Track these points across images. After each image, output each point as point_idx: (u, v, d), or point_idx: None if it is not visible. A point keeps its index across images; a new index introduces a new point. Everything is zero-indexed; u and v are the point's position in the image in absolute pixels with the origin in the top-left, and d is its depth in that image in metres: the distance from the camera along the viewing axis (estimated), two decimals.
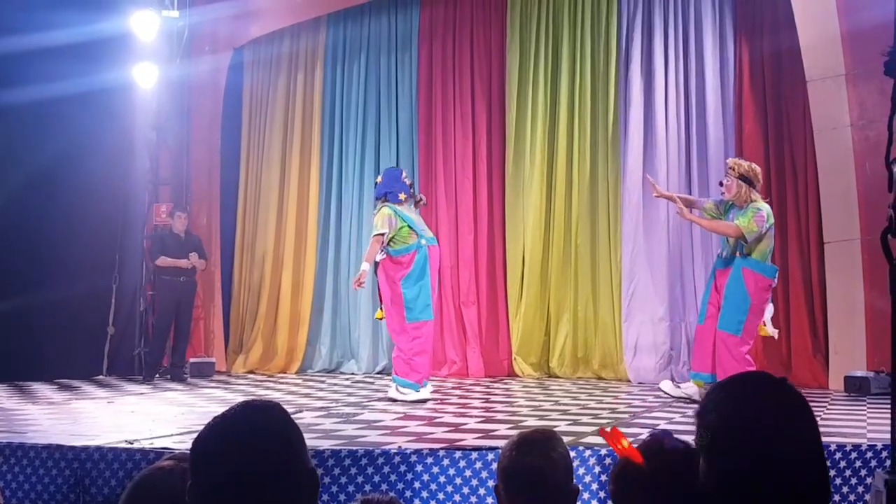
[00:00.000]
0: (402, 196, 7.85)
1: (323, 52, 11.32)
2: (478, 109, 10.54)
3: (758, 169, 7.27)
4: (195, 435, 1.63)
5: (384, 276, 7.83)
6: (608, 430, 2.27)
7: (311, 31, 11.33)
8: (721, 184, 7.31)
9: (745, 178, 7.09)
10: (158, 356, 9.90)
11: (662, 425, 5.47)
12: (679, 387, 7.50)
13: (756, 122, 9.39)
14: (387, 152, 10.85)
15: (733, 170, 7.16)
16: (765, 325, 7.17)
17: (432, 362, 8.30)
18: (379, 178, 8.22)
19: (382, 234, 7.73)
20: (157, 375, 9.84)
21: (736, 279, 6.98)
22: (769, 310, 7.19)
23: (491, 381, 9.45)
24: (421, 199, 8.22)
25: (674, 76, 9.76)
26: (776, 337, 7.56)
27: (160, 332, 9.94)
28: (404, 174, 8.09)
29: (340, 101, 11.20)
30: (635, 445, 2.23)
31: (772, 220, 7.08)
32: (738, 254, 7.01)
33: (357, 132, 11.01)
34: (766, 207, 7.08)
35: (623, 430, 5.81)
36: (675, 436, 2.29)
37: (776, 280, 7.33)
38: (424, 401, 7.53)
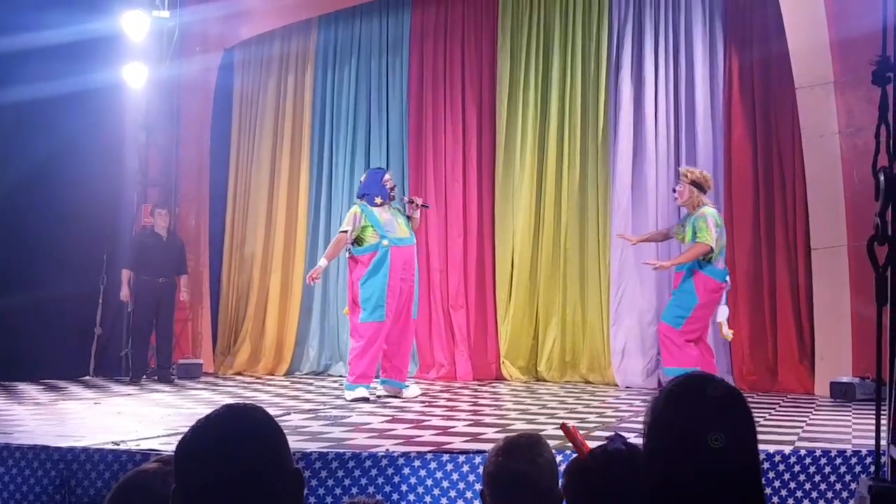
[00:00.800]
0: (378, 200, 7.99)
1: (314, 54, 11.33)
2: (468, 113, 10.56)
3: (708, 175, 7.80)
4: (181, 437, 1.64)
5: (348, 275, 8.04)
6: (569, 426, 2.31)
7: (302, 32, 11.33)
8: (674, 190, 7.80)
9: (697, 184, 7.59)
10: (142, 358, 9.87)
11: None
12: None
13: (745, 128, 9.43)
14: (377, 155, 10.85)
15: (686, 176, 7.64)
16: (722, 327, 7.55)
17: (407, 363, 8.29)
18: (363, 177, 8.38)
19: (345, 232, 7.94)
20: (145, 377, 9.81)
21: (687, 279, 7.47)
22: (724, 311, 7.56)
23: (479, 385, 9.46)
24: (414, 202, 8.27)
25: (663, 83, 9.79)
26: (730, 338, 7.92)
27: (141, 334, 9.90)
28: (386, 176, 8.16)
29: (331, 103, 11.20)
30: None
31: (720, 223, 7.55)
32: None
33: (347, 134, 11.02)
34: (712, 212, 7.55)
35: (610, 434, 5.81)
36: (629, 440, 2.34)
37: (728, 283, 7.66)
38: (365, 399, 7.60)
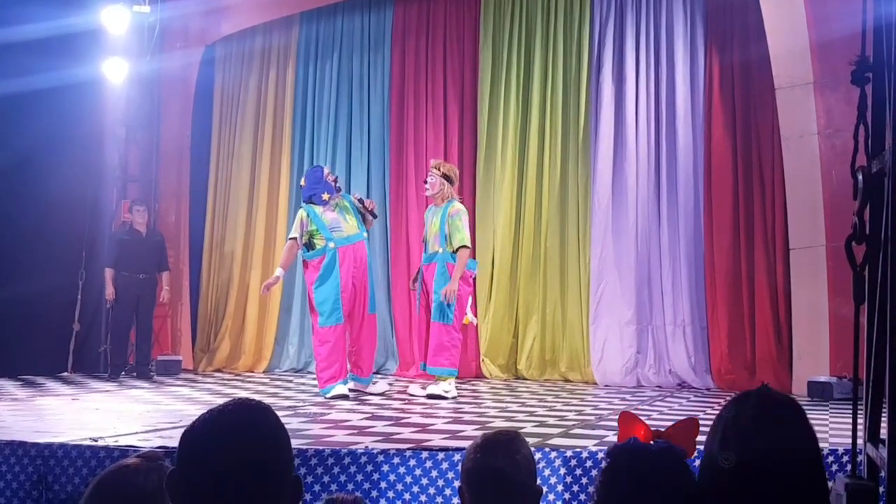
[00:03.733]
0: (325, 196, 7.96)
1: (295, 51, 11.30)
2: (450, 110, 10.56)
3: (456, 170, 8.40)
4: (161, 433, 1.63)
5: (305, 278, 8.09)
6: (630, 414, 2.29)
7: (284, 28, 11.30)
8: (425, 182, 8.18)
9: (447, 177, 8.02)
10: (121, 354, 9.82)
11: None
12: (425, 388, 7.98)
13: (725, 129, 9.49)
14: (358, 152, 10.84)
15: (437, 169, 8.06)
16: (467, 313, 7.97)
17: (372, 362, 8.33)
18: (303, 182, 8.30)
19: (294, 238, 8.03)
20: (124, 373, 9.77)
21: (441, 273, 7.81)
22: (469, 300, 8.08)
23: (459, 383, 9.44)
24: (363, 203, 8.19)
25: (644, 82, 9.84)
26: (476, 323, 8.55)
27: (120, 330, 9.86)
28: (326, 171, 8.16)
29: (312, 99, 11.18)
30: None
31: (466, 216, 8.06)
32: (440, 249, 7.86)
33: (328, 131, 11.00)
34: (463, 209, 8.04)
35: (589, 432, 5.84)
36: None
37: (476, 272, 8.26)
38: (344, 396, 7.63)
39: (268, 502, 1.57)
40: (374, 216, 8.30)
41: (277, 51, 11.33)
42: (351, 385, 8.00)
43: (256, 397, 6.19)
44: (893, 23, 2.65)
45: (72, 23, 9.48)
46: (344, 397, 7.64)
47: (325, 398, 7.65)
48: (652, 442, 2.27)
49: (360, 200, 8.25)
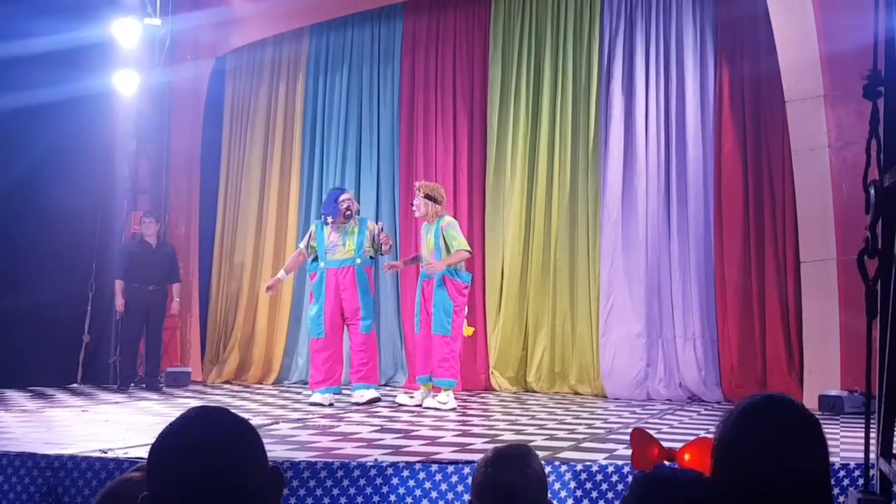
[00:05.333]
0: (329, 219, 8.37)
1: (305, 63, 11.33)
2: (459, 123, 10.57)
3: (442, 189, 8.56)
4: (151, 444, 1.61)
5: None
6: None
7: (294, 41, 11.33)
8: (412, 204, 8.44)
9: (431, 197, 8.26)
10: (130, 365, 9.83)
11: None
12: (412, 396, 8.32)
13: (735, 142, 9.47)
14: (368, 164, 10.86)
15: (420, 190, 8.34)
16: (465, 324, 8.29)
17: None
18: (325, 196, 8.85)
19: (299, 248, 8.68)
20: (133, 385, 9.78)
21: (439, 286, 8.07)
22: (465, 310, 8.36)
23: (468, 395, 9.45)
24: (379, 239, 8.34)
25: (654, 95, 9.83)
26: (469, 334, 8.61)
27: (129, 341, 9.87)
28: (344, 196, 8.41)
29: (322, 111, 11.20)
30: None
31: (458, 224, 8.36)
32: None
33: (338, 143, 11.02)
34: (452, 218, 8.36)
35: (599, 445, 5.82)
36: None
37: (469, 284, 8.40)
38: (317, 404, 8.07)
39: (253, 500, 1.56)
40: (381, 253, 8.44)
41: (287, 63, 11.36)
42: (371, 393, 8.24)
43: (265, 409, 6.22)
44: None
45: (82, 35, 9.53)
46: (320, 405, 8.03)
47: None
48: (669, 463, 2.26)
49: (380, 231, 8.40)
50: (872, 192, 2.70)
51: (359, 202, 10.40)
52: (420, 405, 8.08)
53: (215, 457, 1.55)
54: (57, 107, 9.17)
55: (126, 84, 10.37)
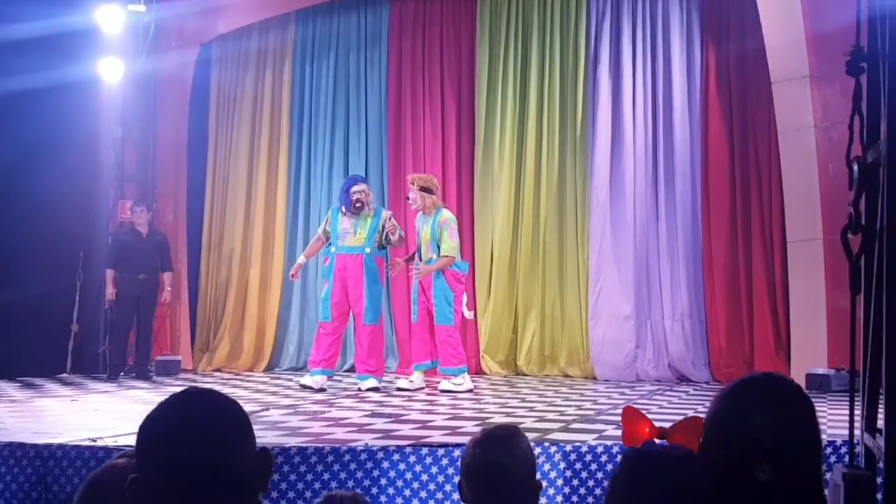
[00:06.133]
0: (342, 208, 8.49)
1: (291, 49, 11.28)
2: (447, 108, 10.56)
3: (434, 179, 8.70)
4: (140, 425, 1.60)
5: None
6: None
7: (280, 27, 11.28)
8: (408, 198, 8.54)
9: (426, 189, 8.37)
10: (120, 354, 9.82)
11: None
12: (412, 381, 8.47)
13: (721, 122, 9.49)
14: (356, 150, 10.84)
15: (414, 184, 8.44)
16: (463, 310, 8.47)
17: (389, 360, 8.99)
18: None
19: (317, 234, 8.83)
20: (123, 374, 9.76)
21: (437, 277, 8.23)
22: (464, 296, 8.54)
23: None
24: (360, 211, 8.41)
25: (641, 77, 9.84)
26: (472, 318, 9.03)
27: (119, 330, 9.85)
28: (355, 188, 8.48)
29: (309, 98, 11.16)
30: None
31: (455, 224, 8.46)
32: (434, 256, 8.24)
33: (326, 130, 10.99)
34: (449, 213, 8.47)
35: (588, 426, 5.83)
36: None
37: (465, 273, 8.63)
38: (305, 387, 8.20)
39: (240, 485, 1.55)
40: (388, 242, 8.50)
41: (274, 49, 11.30)
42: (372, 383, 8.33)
43: (256, 396, 6.22)
44: (888, 12, 2.65)
45: (66, 22, 9.45)
46: (310, 388, 8.15)
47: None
48: (659, 441, 2.26)
49: (388, 219, 8.51)
50: (856, 168, 2.70)
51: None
52: (423, 388, 8.30)
53: (202, 441, 1.54)
54: (41, 94, 9.10)
55: (111, 71, 10.30)
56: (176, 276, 10.79)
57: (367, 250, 8.39)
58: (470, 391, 8.13)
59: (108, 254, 9.90)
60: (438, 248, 8.27)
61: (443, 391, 8.10)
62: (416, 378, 8.46)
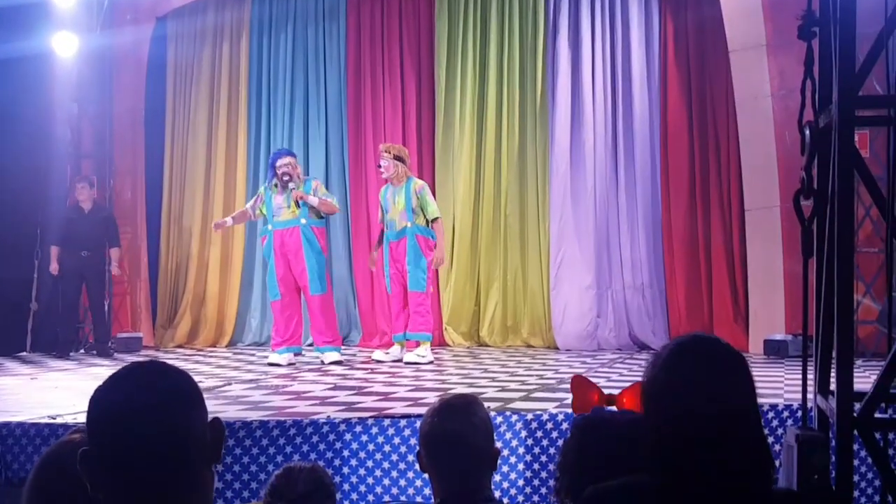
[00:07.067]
0: (274, 182, 8.51)
1: (248, 23, 11.13)
2: (407, 79, 10.50)
3: (406, 150, 8.88)
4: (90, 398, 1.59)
5: None
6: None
7: (236, 0, 11.14)
8: (379, 166, 8.55)
9: (399, 158, 8.45)
10: (71, 332, 9.72)
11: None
12: (388, 353, 8.55)
13: (680, 92, 9.53)
14: (315, 125, 10.75)
15: (388, 152, 8.48)
16: None
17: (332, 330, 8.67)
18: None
19: (247, 207, 8.97)
20: (83, 351, 9.68)
21: (413, 246, 8.30)
22: None
23: None
24: (288, 185, 8.41)
25: (600, 46, 9.84)
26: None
27: (65, 308, 9.77)
28: (280, 161, 8.50)
29: (267, 72, 11.04)
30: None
31: (429, 189, 8.63)
32: (408, 224, 8.30)
33: (285, 104, 10.88)
34: (423, 182, 8.62)
35: (549, 395, 5.87)
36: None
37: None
38: (274, 364, 8.18)
39: (193, 456, 1.55)
40: (298, 205, 8.43)
41: (230, 23, 11.14)
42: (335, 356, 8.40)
43: (218, 372, 6.20)
44: None
45: None
46: (277, 365, 8.14)
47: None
48: (608, 407, 2.29)
49: (319, 187, 8.63)
50: (807, 132, 2.73)
51: (307, 162, 10.38)
52: (401, 360, 8.29)
53: (153, 413, 1.53)
54: None
55: (65, 46, 10.11)
56: (136, 253, 10.70)
57: (304, 221, 8.38)
58: (431, 363, 8.19)
59: (54, 231, 9.77)
60: (414, 213, 8.32)
61: (407, 363, 8.14)
62: (395, 350, 8.52)
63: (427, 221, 8.39)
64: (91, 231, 9.66)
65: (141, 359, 1.68)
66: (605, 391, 2.62)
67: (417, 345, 8.34)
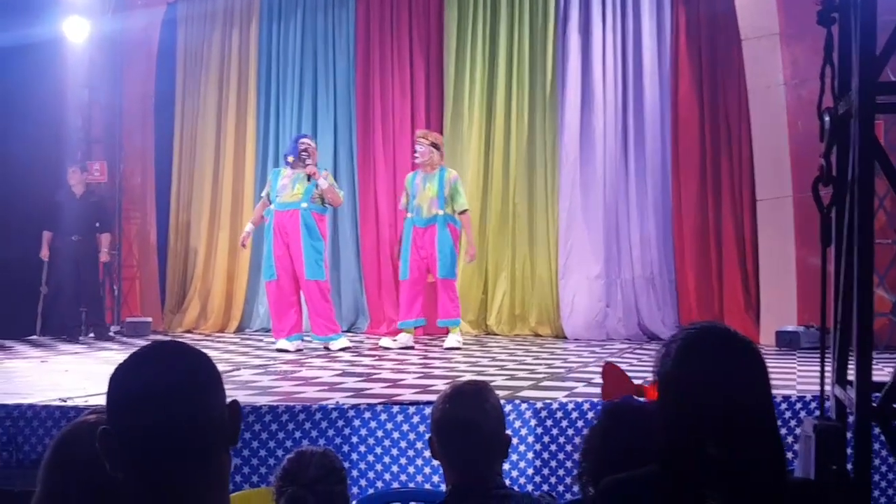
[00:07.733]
0: (289, 158, 8.44)
1: (258, 8, 11.11)
2: (416, 67, 10.47)
3: (441, 138, 8.97)
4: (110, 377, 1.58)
5: None
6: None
7: None
8: (415, 152, 8.65)
9: (435, 146, 8.55)
10: (73, 316, 9.73)
11: (598, 379, 5.52)
12: (396, 340, 8.57)
13: (691, 81, 9.48)
14: (324, 110, 10.74)
15: (425, 138, 8.60)
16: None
17: (331, 317, 8.54)
18: None
19: (261, 198, 8.72)
20: (91, 335, 9.70)
21: (443, 234, 8.38)
22: None
23: (429, 339, 9.46)
24: (305, 161, 8.34)
25: (611, 35, 9.79)
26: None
27: (61, 293, 9.77)
28: (303, 139, 8.53)
29: (277, 58, 11.02)
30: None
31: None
32: (439, 212, 8.39)
33: (294, 90, 10.86)
34: (455, 172, 8.64)
35: (558, 384, 5.86)
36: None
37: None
38: (282, 350, 8.10)
39: (211, 438, 1.54)
40: (308, 179, 8.34)
41: (240, 8, 11.13)
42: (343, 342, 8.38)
43: (226, 356, 6.19)
44: None
45: None
46: (284, 351, 8.06)
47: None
48: (640, 399, 2.28)
49: (327, 177, 8.56)
50: (827, 119, 2.70)
51: (316, 147, 10.35)
52: (410, 348, 8.42)
53: (174, 393, 1.54)
54: (5, 54, 8.94)
55: (76, 32, 10.11)
56: (145, 238, 10.71)
57: (304, 205, 8.30)
58: (410, 348, 8.37)
59: (48, 216, 9.78)
60: (446, 202, 8.40)
61: (448, 349, 8.26)
62: (403, 338, 8.52)
63: (454, 211, 8.45)
64: (82, 216, 9.67)
65: (161, 338, 1.67)
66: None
67: (449, 331, 8.50)
